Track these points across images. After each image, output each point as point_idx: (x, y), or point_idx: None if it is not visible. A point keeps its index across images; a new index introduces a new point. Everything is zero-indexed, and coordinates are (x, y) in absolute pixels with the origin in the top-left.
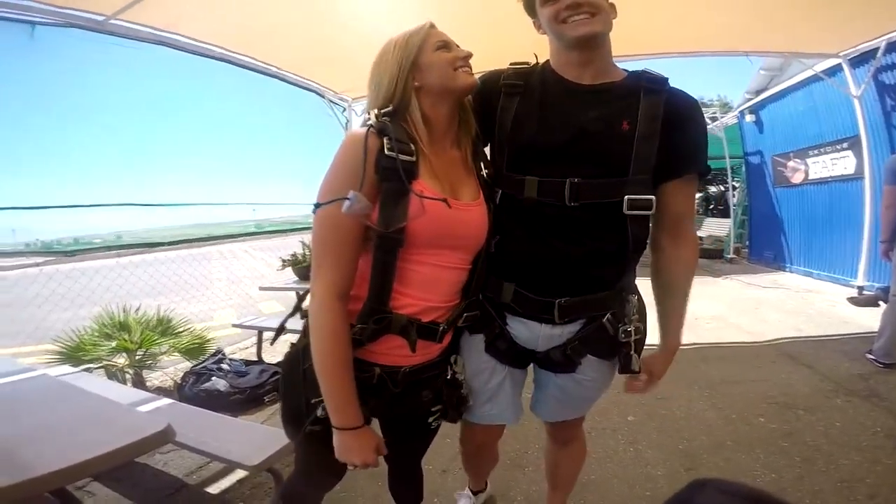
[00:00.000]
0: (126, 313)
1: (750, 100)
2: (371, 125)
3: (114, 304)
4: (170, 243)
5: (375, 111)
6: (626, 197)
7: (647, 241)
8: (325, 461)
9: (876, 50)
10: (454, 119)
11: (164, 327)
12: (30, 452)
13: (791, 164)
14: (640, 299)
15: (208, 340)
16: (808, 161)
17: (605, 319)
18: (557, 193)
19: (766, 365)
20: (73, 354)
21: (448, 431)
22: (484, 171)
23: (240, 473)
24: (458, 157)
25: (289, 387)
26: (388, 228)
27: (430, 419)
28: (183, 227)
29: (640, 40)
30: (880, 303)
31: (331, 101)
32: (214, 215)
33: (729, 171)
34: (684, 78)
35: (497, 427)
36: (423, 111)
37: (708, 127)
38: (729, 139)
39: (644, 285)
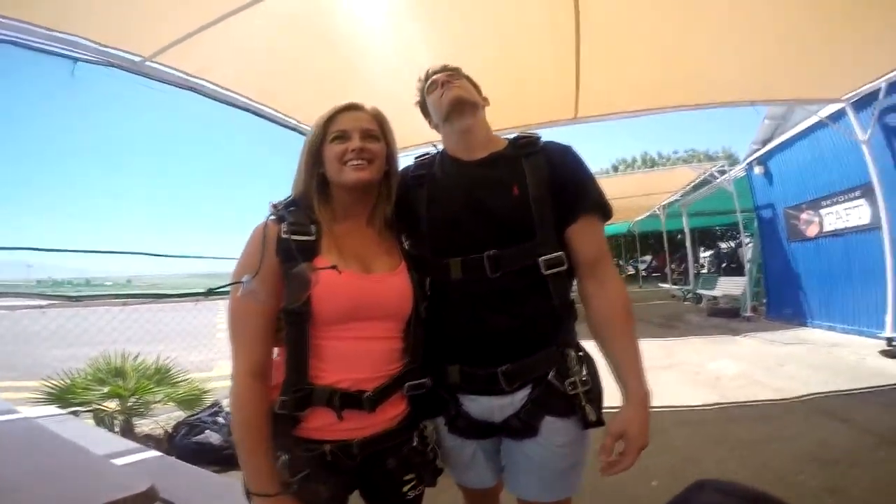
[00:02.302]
0: (124, 359)
1: (757, 150)
2: (270, 214)
3: (113, 348)
4: (176, 295)
5: (275, 203)
6: (539, 259)
7: (573, 298)
8: None
9: (878, 91)
10: (364, 201)
11: (162, 376)
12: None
13: (804, 216)
14: (582, 353)
15: (206, 392)
16: (822, 212)
17: (550, 377)
18: (479, 268)
19: (799, 422)
20: (63, 396)
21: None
22: (406, 244)
23: None
24: (372, 233)
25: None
26: (291, 304)
27: (405, 489)
28: (193, 275)
29: (645, 95)
30: None
31: None
32: (226, 265)
33: (741, 226)
34: (688, 131)
35: (483, 491)
36: (332, 194)
37: (716, 181)
38: (739, 192)
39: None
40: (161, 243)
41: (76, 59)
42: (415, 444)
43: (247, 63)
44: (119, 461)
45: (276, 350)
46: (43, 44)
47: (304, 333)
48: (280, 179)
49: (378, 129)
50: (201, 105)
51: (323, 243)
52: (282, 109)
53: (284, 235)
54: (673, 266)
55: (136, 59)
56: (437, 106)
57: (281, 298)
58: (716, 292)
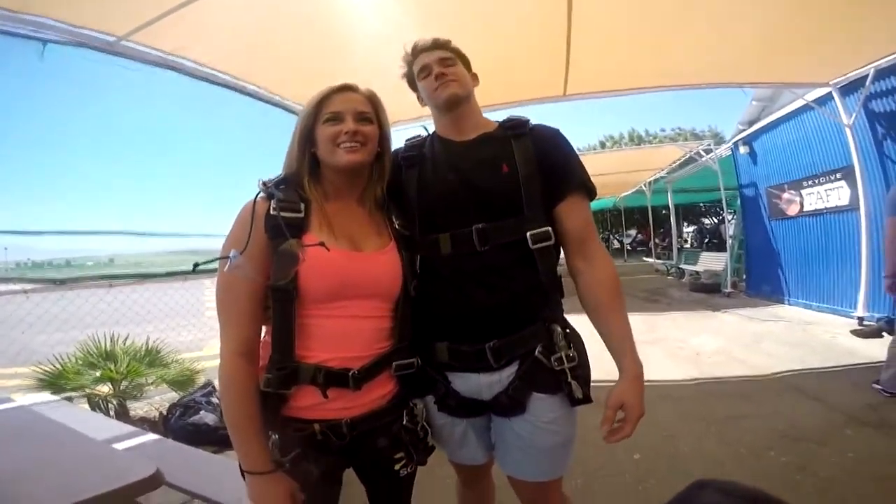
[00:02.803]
0: (113, 342)
1: (743, 130)
2: (259, 191)
3: (101, 331)
4: (164, 274)
5: (264, 180)
6: (527, 233)
7: (560, 274)
8: None
9: (865, 78)
10: (355, 181)
11: (153, 358)
12: (4, 493)
13: (786, 195)
14: (570, 329)
15: (198, 372)
16: (803, 192)
17: (536, 353)
18: (468, 242)
19: (773, 398)
20: (55, 382)
21: (448, 473)
22: (396, 223)
23: None
24: (363, 212)
25: None
26: (277, 281)
27: (397, 466)
28: (178, 252)
29: (635, 74)
30: (884, 333)
31: None
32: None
33: (724, 203)
34: (676, 110)
35: (477, 466)
36: (323, 174)
37: (702, 159)
38: (723, 171)
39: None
40: (143, 222)
41: (46, 41)
42: (405, 422)
43: (228, 40)
44: (119, 446)
45: (264, 329)
46: (10, 26)
47: (290, 311)
48: (266, 156)
49: (372, 111)
50: (181, 85)
51: (313, 220)
52: (265, 86)
53: (273, 212)
54: (657, 240)
55: (111, 38)
56: (430, 97)
57: (269, 276)
58: (698, 267)
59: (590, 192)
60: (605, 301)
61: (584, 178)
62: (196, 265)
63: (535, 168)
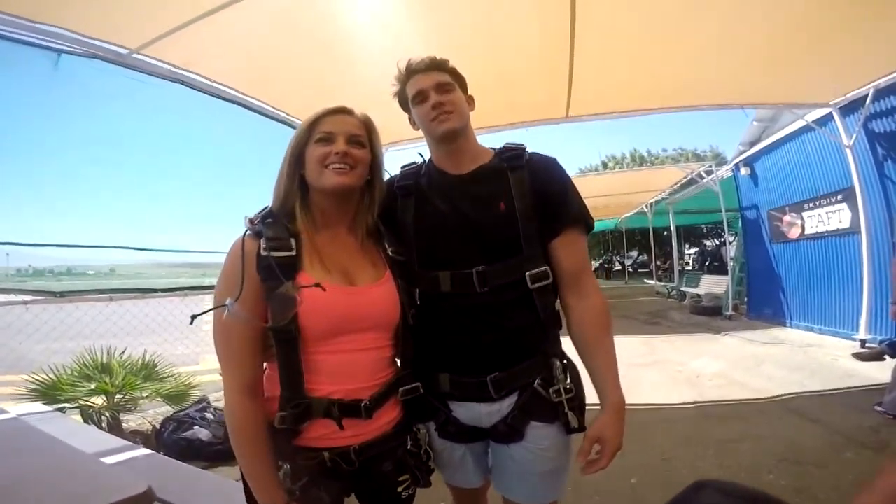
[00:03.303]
0: (110, 355)
1: (744, 151)
2: (247, 229)
3: (99, 342)
4: (164, 290)
5: (251, 217)
6: (527, 273)
7: (558, 309)
8: None
9: (865, 98)
10: (344, 208)
11: (149, 372)
12: None
13: (787, 218)
14: (568, 362)
15: (194, 387)
16: (804, 215)
17: (535, 385)
18: (467, 283)
19: (773, 421)
20: (49, 392)
21: (443, 494)
22: (390, 250)
23: None
24: (354, 242)
25: (244, 481)
26: (277, 323)
27: (399, 489)
28: (178, 265)
29: (636, 96)
30: (886, 357)
31: None
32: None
33: (725, 225)
34: (678, 129)
35: (472, 490)
36: (311, 199)
37: (703, 181)
38: (724, 192)
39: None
40: (146, 235)
41: (60, 52)
42: (409, 446)
43: (236, 55)
44: (110, 460)
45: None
46: (26, 35)
47: (294, 350)
48: (270, 173)
49: (365, 136)
50: (190, 99)
51: (304, 257)
52: (271, 102)
53: (264, 253)
54: (658, 262)
55: (123, 51)
56: (426, 127)
57: (266, 316)
58: (699, 290)
59: (587, 225)
60: (593, 337)
61: (582, 212)
62: (193, 316)
63: (531, 202)
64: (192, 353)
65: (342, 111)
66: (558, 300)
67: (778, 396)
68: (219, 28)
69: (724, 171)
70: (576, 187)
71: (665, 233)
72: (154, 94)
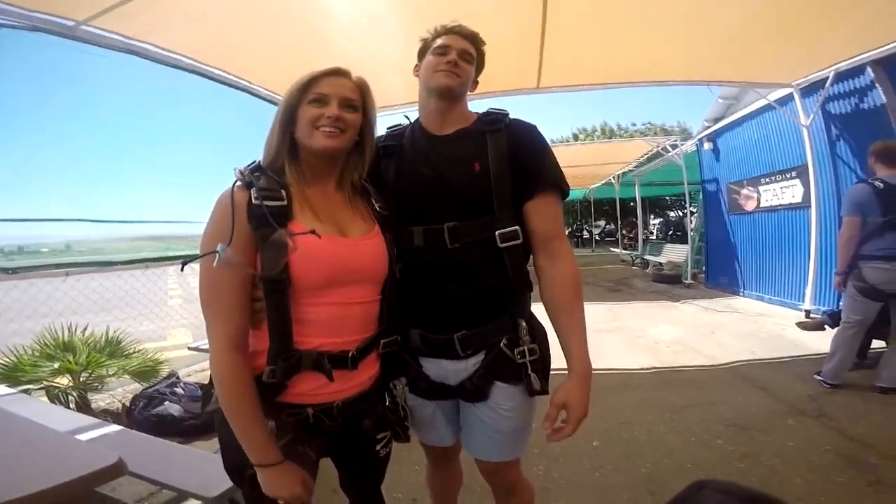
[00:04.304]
0: (71, 333)
1: (708, 127)
2: (237, 180)
3: (59, 321)
4: (124, 262)
5: (241, 168)
6: (496, 232)
7: (528, 270)
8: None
9: (825, 80)
10: (332, 166)
11: (114, 348)
12: None
13: (744, 191)
14: (535, 323)
15: (161, 363)
16: (760, 189)
17: (501, 345)
18: (439, 239)
19: (724, 388)
20: (11, 374)
21: (417, 459)
22: (377, 206)
23: (193, 502)
24: (342, 197)
25: (226, 445)
26: (270, 272)
27: (378, 447)
28: (138, 237)
29: (606, 70)
30: (826, 327)
31: None
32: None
33: (687, 198)
34: (647, 105)
35: (444, 448)
36: (300, 156)
37: (668, 154)
38: (688, 166)
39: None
40: (101, 208)
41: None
42: (387, 403)
43: (194, 24)
44: (80, 437)
45: None
46: None
47: (284, 301)
48: (229, 141)
49: (358, 100)
50: (144, 70)
51: (295, 207)
52: (232, 71)
53: (256, 201)
54: (624, 231)
55: (69, 23)
56: (429, 74)
57: (255, 266)
58: (661, 259)
59: (562, 191)
60: (563, 301)
61: (557, 177)
62: (185, 262)
63: (507, 165)
64: (159, 329)
65: (338, 73)
66: (531, 264)
67: (729, 363)
68: None
69: (689, 146)
70: (554, 154)
71: (631, 203)
72: (106, 66)
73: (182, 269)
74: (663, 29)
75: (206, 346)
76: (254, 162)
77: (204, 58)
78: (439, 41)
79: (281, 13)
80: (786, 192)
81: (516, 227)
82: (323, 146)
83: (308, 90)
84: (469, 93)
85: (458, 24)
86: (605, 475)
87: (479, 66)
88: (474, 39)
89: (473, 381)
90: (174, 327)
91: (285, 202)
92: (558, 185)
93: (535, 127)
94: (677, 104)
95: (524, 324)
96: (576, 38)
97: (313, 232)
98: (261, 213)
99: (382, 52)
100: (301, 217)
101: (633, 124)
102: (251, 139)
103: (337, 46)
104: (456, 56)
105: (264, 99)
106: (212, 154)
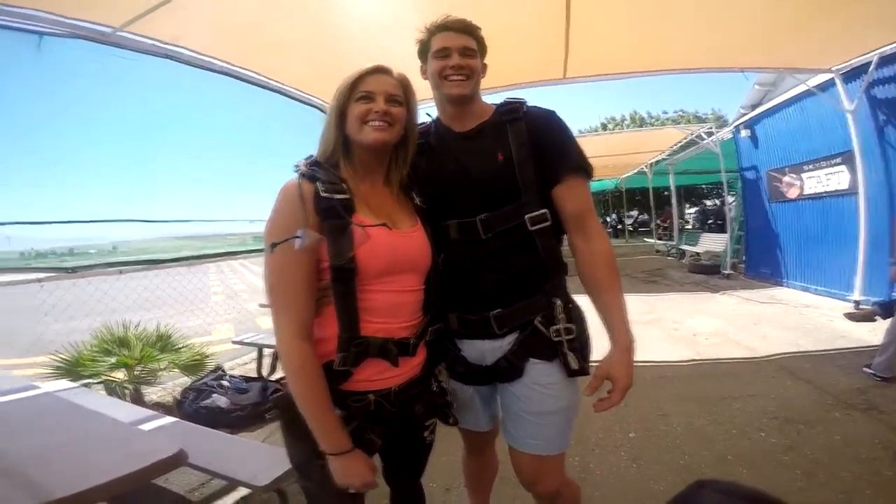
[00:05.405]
0: (126, 329)
1: (745, 114)
2: (302, 173)
3: (112, 318)
4: (170, 260)
5: (302, 161)
6: (525, 217)
7: (558, 250)
8: (340, 499)
9: (868, 64)
10: (381, 161)
11: (164, 343)
12: (39, 473)
13: (786, 179)
14: (571, 303)
15: (207, 356)
16: (804, 176)
17: (536, 322)
18: (473, 231)
19: (766, 380)
20: (72, 369)
21: (450, 448)
22: (417, 201)
23: (242, 491)
24: (389, 193)
25: (294, 437)
26: (340, 261)
27: (425, 433)
28: (180, 237)
29: (635, 58)
30: (877, 318)
31: None
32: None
33: (725, 186)
34: (678, 93)
35: (480, 433)
36: (352, 152)
37: (704, 142)
38: (724, 154)
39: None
40: (145, 208)
41: (42, 34)
42: (434, 388)
43: (223, 28)
44: (141, 427)
45: None
46: (5, 20)
47: (353, 289)
48: (265, 143)
49: (402, 95)
50: (180, 74)
51: (357, 201)
52: (263, 72)
53: (324, 194)
54: (658, 221)
55: (107, 30)
56: (437, 83)
57: (322, 256)
58: (698, 248)
59: (587, 172)
60: (600, 276)
61: (580, 159)
62: (274, 245)
63: (529, 152)
64: (203, 325)
65: (381, 71)
66: (564, 246)
67: (772, 356)
68: (202, 1)
69: (725, 133)
70: (574, 137)
71: (665, 192)
72: (143, 71)
73: (272, 251)
74: (693, 13)
75: (250, 340)
76: (310, 156)
77: (235, 59)
78: (437, 43)
79: (304, 11)
80: (831, 179)
81: (545, 210)
82: (373, 139)
83: (355, 88)
84: (488, 87)
85: (449, 17)
86: (642, 467)
87: (482, 51)
88: (470, 30)
89: (508, 357)
90: (218, 322)
91: (349, 196)
92: (582, 165)
93: (554, 112)
94: (711, 91)
95: (559, 303)
96: (601, 27)
97: (385, 225)
98: (330, 205)
99: (410, 52)
100: (361, 210)
101: (665, 112)
102: (276, 138)
103: (364, 47)
104: (458, 58)
105: (296, 99)
106: (240, 156)
